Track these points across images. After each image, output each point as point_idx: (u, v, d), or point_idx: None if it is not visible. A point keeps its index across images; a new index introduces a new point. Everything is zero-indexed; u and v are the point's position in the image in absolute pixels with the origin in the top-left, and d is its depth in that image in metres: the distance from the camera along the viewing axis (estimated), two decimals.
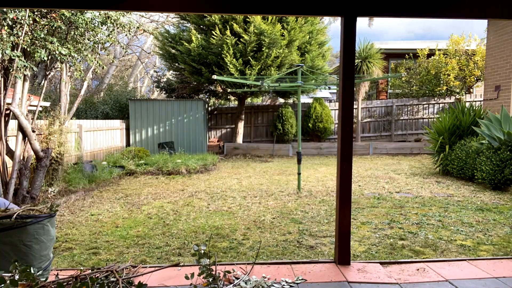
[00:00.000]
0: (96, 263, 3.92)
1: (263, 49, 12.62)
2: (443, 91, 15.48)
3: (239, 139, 15.30)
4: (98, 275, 2.80)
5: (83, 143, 9.71)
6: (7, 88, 5.65)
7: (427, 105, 15.85)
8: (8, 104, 5.83)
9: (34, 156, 6.33)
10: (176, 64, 14.19)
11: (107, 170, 9.15)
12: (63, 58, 6.15)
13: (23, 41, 5.35)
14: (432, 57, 15.65)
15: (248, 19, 12.91)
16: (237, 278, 3.12)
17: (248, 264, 3.53)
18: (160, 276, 3.28)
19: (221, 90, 15.17)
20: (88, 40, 6.72)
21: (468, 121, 9.30)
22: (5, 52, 5.04)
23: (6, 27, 5.20)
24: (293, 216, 5.73)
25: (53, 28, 5.81)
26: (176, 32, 14.34)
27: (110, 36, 6.84)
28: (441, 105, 15.62)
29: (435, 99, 15.69)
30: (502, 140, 7.54)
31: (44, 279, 2.74)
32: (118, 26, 6.65)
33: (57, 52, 5.78)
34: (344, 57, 3.32)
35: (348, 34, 3.30)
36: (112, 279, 2.85)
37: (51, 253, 3.14)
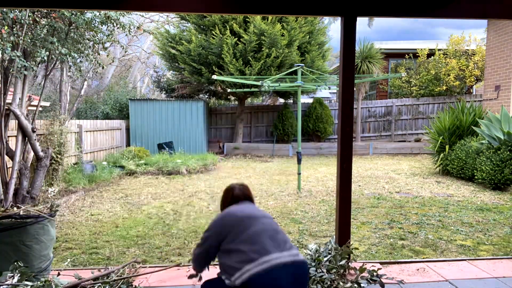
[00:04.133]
0: (96, 263, 3.92)
1: (263, 49, 12.62)
2: (443, 91, 15.48)
3: (239, 139, 15.30)
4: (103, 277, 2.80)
5: (83, 143, 9.71)
6: (7, 88, 5.64)
7: (427, 105, 15.85)
8: (8, 104, 5.83)
9: (34, 156, 6.32)
10: (176, 64, 14.19)
11: (107, 170, 9.14)
12: (63, 58, 6.14)
13: (23, 41, 5.34)
14: (432, 57, 15.64)
15: (248, 19, 12.90)
16: None
17: None
18: (160, 276, 3.28)
19: (221, 90, 15.17)
20: (88, 40, 6.71)
21: (468, 121, 9.30)
22: (5, 52, 5.04)
23: (6, 27, 5.19)
24: (293, 216, 5.73)
25: (53, 28, 5.81)
26: (176, 32, 14.34)
27: (110, 36, 6.83)
28: (441, 105, 15.62)
29: (435, 99, 15.70)
30: (502, 140, 7.54)
31: (44, 279, 2.74)
32: (118, 26, 6.64)
33: (57, 52, 5.78)
34: (344, 57, 3.32)
35: (348, 34, 3.30)
36: (115, 277, 2.86)
37: (51, 253, 3.14)
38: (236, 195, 2.49)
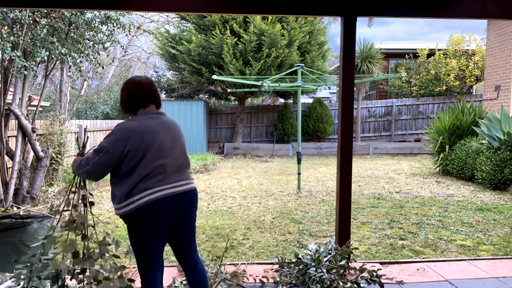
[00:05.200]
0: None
1: (263, 49, 12.62)
2: (443, 91, 15.48)
3: (239, 139, 15.30)
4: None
5: None
6: (7, 88, 5.64)
7: (427, 105, 15.85)
8: (8, 104, 5.83)
9: (34, 156, 6.32)
10: (176, 64, 14.19)
11: None
12: (63, 58, 6.14)
13: (23, 41, 5.34)
14: (432, 57, 15.64)
15: (248, 19, 12.90)
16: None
17: (249, 264, 3.53)
18: None
19: (221, 90, 15.17)
20: (88, 40, 6.71)
21: (468, 121, 9.30)
22: (5, 52, 5.04)
23: (6, 27, 5.20)
24: (293, 216, 5.73)
25: (53, 28, 5.81)
26: (176, 32, 14.34)
27: (110, 36, 6.83)
28: (441, 105, 15.62)
29: (435, 99, 15.70)
30: (502, 140, 7.54)
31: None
32: (118, 26, 6.63)
33: (57, 52, 5.78)
34: (344, 57, 3.32)
35: (348, 34, 3.30)
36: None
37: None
38: (146, 96, 2.29)
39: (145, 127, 2.21)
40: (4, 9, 5.05)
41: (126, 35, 7.01)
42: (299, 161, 7.72)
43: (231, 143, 15.02)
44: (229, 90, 14.01)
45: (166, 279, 3.17)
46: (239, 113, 15.33)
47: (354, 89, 3.51)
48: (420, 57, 15.86)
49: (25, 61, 5.35)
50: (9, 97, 5.85)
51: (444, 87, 15.33)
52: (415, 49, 16.22)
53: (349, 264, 3.18)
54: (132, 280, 2.58)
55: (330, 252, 3.23)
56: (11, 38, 5.12)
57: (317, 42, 14.27)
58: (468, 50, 15.51)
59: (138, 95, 2.28)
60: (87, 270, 2.46)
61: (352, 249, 3.38)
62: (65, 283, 2.51)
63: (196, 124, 13.64)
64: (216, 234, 4.87)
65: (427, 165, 11.00)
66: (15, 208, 3.09)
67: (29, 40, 5.50)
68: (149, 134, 2.19)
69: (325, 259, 3.12)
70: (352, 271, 3.17)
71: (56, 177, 7.43)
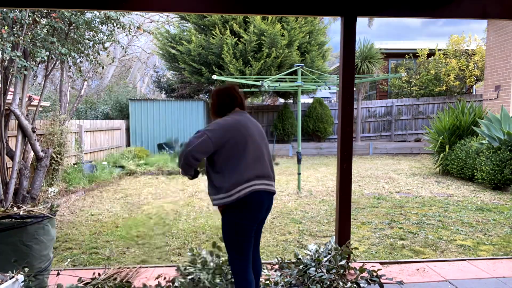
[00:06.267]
0: (96, 263, 3.92)
1: (263, 49, 12.61)
2: (443, 91, 15.47)
3: None
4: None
5: (83, 143, 9.70)
6: (7, 88, 5.64)
7: (427, 105, 15.84)
8: (8, 104, 5.83)
9: (34, 156, 6.32)
10: (176, 64, 14.19)
11: (107, 170, 9.14)
12: (63, 58, 6.14)
13: (23, 41, 5.34)
14: (432, 57, 15.64)
15: (248, 19, 12.90)
16: None
17: None
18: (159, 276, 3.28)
19: None
20: (88, 40, 6.71)
21: (468, 121, 9.30)
22: (5, 52, 5.04)
23: (6, 27, 5.20)
24: (293, 216, 5.73)
25: (53, 28, 5.81)
26: (176, 32, 14.34)
27: (110, 36, 6.83)
28: (441, 105, 15.61)
29: (435, 99, 15.70)
30: (502, 140, 7.54)
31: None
32: (118, 26, 6.63)
33: (57, 52, 5.78)
34: (344, 57, 3.32)
35: (348, 34, 3.30)
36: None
37: (51, 253, 3.14)
38: (238, 104, 2.54)
39: (238, 121, 2.45)
40: (4, 9, 5.05)
41: (126, 35, 7.01)
42: (299, 161, 7.72)
43: None
44: None
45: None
46: None
47: (354, 89, 3.51)
48: (420, 57, 15.84)
49: (25, 61, 5.35)
50: (9, 97, 5.85)
51: (444, 87, 15.32)
52: (415, 49, 16.20)
53: (349, 264, 3.18)
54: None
55: (330, 252, 3.23)
56: (11, 38, 5.12)
57: (317, 42, 14.26)
58: (468, 50, 15.50)
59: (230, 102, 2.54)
60: None
61: (352, 249, 3.38)
62: None
63: (196, 124, 13.63)
64: (216, 234, 4.87)
65: (427, 165, 11.00)
66: (15, 208, 3.09)
67: (29, 40, 5.50)
68: (243, 128, 2.43)
69: (325, 259, 3.12)
70: (352, 271, 3.17)
71: (56, 177, 7.43)
